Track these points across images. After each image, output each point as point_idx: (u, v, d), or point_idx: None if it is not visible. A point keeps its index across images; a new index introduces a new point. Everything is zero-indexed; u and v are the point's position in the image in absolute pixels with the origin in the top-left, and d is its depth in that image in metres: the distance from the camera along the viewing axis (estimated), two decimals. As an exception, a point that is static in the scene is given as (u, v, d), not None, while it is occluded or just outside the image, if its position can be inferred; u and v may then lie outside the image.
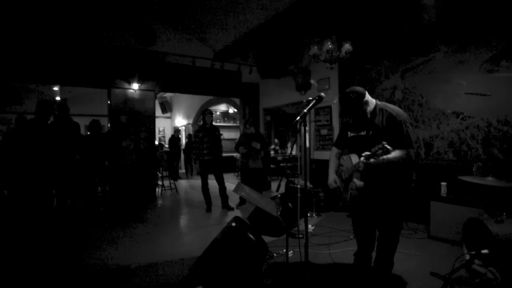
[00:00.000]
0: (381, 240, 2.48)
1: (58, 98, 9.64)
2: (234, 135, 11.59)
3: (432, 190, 3.80)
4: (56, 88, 9.23)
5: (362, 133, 2.38)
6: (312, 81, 6.11)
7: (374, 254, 2.58)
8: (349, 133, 2.51)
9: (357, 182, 2.30)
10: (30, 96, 9.58)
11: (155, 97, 7.63)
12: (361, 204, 2.50)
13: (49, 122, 3.92)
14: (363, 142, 2.32)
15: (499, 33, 3.48)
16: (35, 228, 3.57)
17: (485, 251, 2.33)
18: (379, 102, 2.38)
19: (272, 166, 8.77)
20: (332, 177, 2.60)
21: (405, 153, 2.17)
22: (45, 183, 3.67)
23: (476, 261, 2.45)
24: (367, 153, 2.06)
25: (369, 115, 2.35)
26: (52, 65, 5.54)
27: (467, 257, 2.58)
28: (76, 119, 4.81)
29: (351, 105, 2.35)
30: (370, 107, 2.35)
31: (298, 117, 2.09)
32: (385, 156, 2.02)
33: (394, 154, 2.09)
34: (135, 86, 6.30)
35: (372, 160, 2.07)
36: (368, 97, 2.36)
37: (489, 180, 2.77)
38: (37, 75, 5.58)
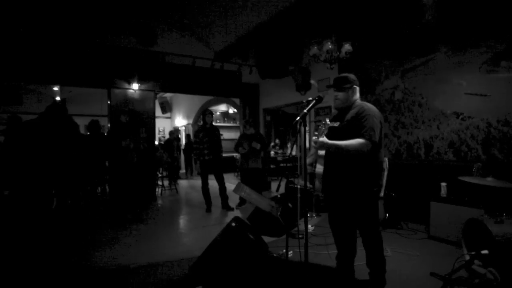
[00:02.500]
0: (362, 237, 2.46)
1: (58, 98, 9.64)
2: (234, 135, 11.58)
3: (432, 191, 3.81)
4: (56, 88, 9.23)
5: (335, 124, 2.41)
6: (312, 82, 6.11)
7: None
8: (329, 123, 2.53)
9: (318, 167, 2.32)
10: (30, 96, 9.58)
11: (155, 97, 7.62)
12: (328, 201, 2.52)
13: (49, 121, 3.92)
14: (334, 133, 2.34)
15: (499, 34, 3.48)
16: (35, 228, 3.57)
17: (485, 251, 2.33)
18: (360, 101, 2.41)
19: (272, 166, 8.78)
20: (308, 160, 2.62)
21: (363, 144, 2.14)
22: (45, 183, 3.67)
23: (476, 261, 2.45)
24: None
25: (345, 107, 2.40)
26: (51, 65, 5.54)
27: (467, 257, 2.58)
28: (76, 119, 4.79)
29: (335, 83, 2.41)
30: (350, 101, 2.40)
31: (298, 118, 2.10)
32: (343, 142, 2.11)
33: (352, 141, 2.14)
34: (135, 86, 6.29)
35: (321, 138, 2.13)
36: (356, 89, 2.41)
37: (489, 181, 2.76)
38: (37, 75, 5.57)
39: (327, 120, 2.25)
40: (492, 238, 2.35)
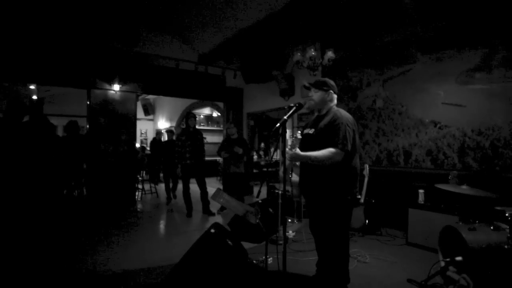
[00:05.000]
0: (318, 244, 2.47)
1: (35, 97, 9.29)
2: (218, 138, 11.51)
3: (411, 197, 3.88)
4: (32, 87, 8.89)
5: (310, 131, 2.41)
6: (298, 88, 6.15)
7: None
8: (304, 130, 2.53)
9: (295, 176, 2.35)
10: (5, 95, 9.18)
11: (137, 99, 7.47)
12: (308, 207, 2.53)
13: (22, 122, 3.75)
14: (308, 141, 2.35)
15: (474, 46, 3.62)
16: (7, 235, 3.39)
17: (459, 258, 2.39)
18: (337, 108, 2.40)
19: (255, 171, 8.75)
20: (281, 170, 2.65)
21: (335, 153, 2.14)
22: (18, 186, 3.49)
23: (451, 268, 2.50)
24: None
25: (321, 114, 2.40)
26: (28, 63, 5.30)
27: (442, 264, 2.63)
28: (53, 119, 4.62)
29: (313, 83, 2.43)
30: (327, 108, 2.40)
31: (278, 124, 2.09)
32: (314, 153, 2.14)
33: (323, 151, 2.15)
34: (116, 87, 6.14)
35: (294, 150, 2.16)
36: (333, 95, 2.40)
37: (464, 189, 2.84)
38: (11, 74, 5.33)
39: (298, 134, 2.26)
40: (466, 245, 2.41)
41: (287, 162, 2.22)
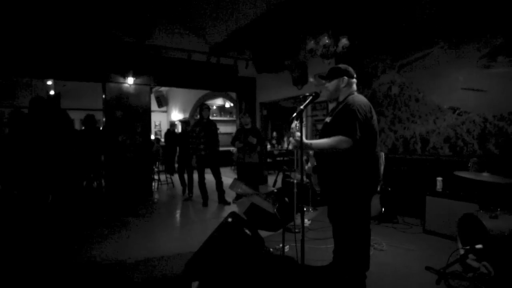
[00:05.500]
0: (336, 232, 2.46)
1: (52, 92, 9.52)
2: (231, 129, 11.55)
3: (428, 185, 3.83)
4: (49, 82, 9.11)
5: (327, 120, 2.37)
6: (311, 79, 6.08)
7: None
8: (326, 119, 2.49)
9: (309, 164, 2.34)
10: (24, 91, 9.45)
11: (151, 91, 7.55)
12: (324, 195, 2.53)
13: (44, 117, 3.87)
14: (324, 129, 2.32)
15: (496, 29, 3.47)
16: (31, 223, 3.55)
17: (479, 246, 2.36)
18: (354, 94, 2.30)
19: (268, 160, 8.77)
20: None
21: (342, 140, 2.06)
22: (40, 178, 3.63)
23: (470, 255, 2.48)
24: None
25: (339, 101, 2.34)
26: (45, 59, 5.45)
27: (462, 251, 2.61)
28: (70, 113, 4.74)
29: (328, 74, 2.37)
30: (344, 95, 2.32)
31: (295, 114, 2.07)
32: (319, 141, 2.13)
33: (329, 139, 2.11)
34: (130, 80, 6.23)
35: (297, 135, 2.11)
36: (347, 81, 2.30)
37: (484, 176, 2.78)
38: (30, 70, 5.49)
39: (297, 124, 2.16)
40: (486, 233, 2.38)
41: (299, 151, 2.20)
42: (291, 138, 2.20)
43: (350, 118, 2.10)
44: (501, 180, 2.68)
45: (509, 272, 2.23)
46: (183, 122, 7.46)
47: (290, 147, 2.22)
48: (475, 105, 3.71)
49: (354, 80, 2.35)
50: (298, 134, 2.10)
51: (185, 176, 6.41)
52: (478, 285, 2.31)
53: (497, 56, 3.48)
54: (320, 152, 2.36)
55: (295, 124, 2.14)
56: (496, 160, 3.47)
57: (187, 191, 6.29)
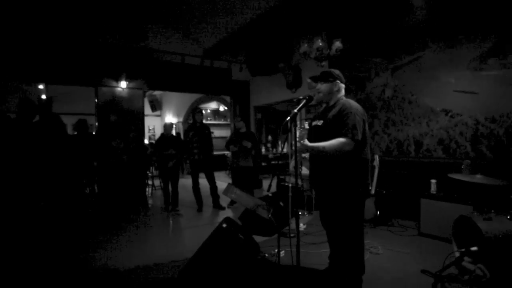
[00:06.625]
0: (330, 237, 2.46)
1: (44, 97, 9.39)
2: (225, 133, 11.50)
3: (422, 188, 3.83)
4: (41, 87, 8.98)
5: (318, 123, 2.37)
6: (305, 80, 6.09)
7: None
8: (312, 122, 2.50)
9: (304, 169, 2.33)
10: (14, 95, 9.29)
11: (144, 95, 7.49)
12: (318, 199, 2.51)
13: (33, 121, 3.79)
14: (316, 133, 2.32)
15: (487, 32, 3.51)
16: (22, 229, 3.46)
17: (474, 248, 2.35)
18: (345, 99, 2.36)
19: (263, 164, 8.75)
20: (291, 163, 2.62)
21: (345, 142, 2.10)
22: (31, 184, 3.55)
23: (466, 258, 2.47)
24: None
25: (330, 105, 2.36)
26: (36, 63, 5.36)
27: (457, 254, 2.60)
28: (62, 117, 4.66)
29: (319, 75, 2.39)
30: (335, 99, 2.36)
31: (288, 118, 2.07)
32: (323, 143, 2.10)
33: (332, 141, 2.11)
34: (123, 84, 6.16)
35: (302, 141, 2.12)
36: (340, 85, 2.36)
37: (478, 178, 2.79)
38: (20, 74, 5.38)
39: (306, 125, 2.23)
40: (481, 235, 2.38)
41: (299, 154, 2.20)
42: (299, 142, 2.20)
43: (351, 121, 2.14)
44: (494, 182, 2.70)
45: (504, 274, 2.23)
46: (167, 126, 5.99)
47: (299, 151, 2.21)
48: (467, 107, 3.74)
49: (344, 85, 2.41)
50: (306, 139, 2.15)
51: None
52: (474, 288, 2.30)
53: (488, 58, 3.52)
54: (316, 155, 2.35)
55: (300, 130, 2.20)
56: (489, 162, 3.49)
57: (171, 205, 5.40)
